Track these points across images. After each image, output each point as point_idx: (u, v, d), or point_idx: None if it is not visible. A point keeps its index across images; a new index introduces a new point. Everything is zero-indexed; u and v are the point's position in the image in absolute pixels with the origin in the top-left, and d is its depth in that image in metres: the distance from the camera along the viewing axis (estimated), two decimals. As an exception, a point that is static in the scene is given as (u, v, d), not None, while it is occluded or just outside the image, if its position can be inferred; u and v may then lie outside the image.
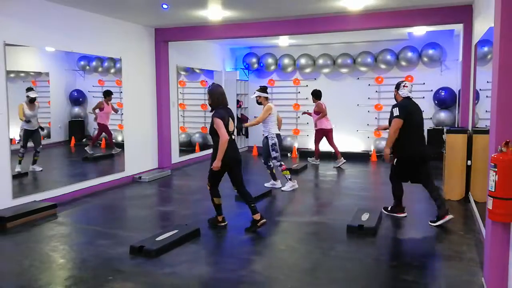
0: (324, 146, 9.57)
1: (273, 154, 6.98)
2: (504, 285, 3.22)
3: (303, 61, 10.90)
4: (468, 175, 6.10)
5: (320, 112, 9.19)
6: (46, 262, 4.19)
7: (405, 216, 5.46)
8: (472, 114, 6.49)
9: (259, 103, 7.15)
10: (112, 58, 7.97)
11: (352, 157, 9.89)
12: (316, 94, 9.34)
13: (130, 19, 7.72)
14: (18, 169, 6.75)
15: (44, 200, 6.01)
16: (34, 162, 7.23)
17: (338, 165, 9.13)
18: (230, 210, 6.18)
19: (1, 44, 5.51)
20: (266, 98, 7.12)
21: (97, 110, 8.52)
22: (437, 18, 6.94)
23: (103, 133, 8.78)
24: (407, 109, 5.17)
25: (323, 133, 9.29)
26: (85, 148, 8.67)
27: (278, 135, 7.05)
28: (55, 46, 6.60)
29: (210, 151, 10.64)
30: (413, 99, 5.38)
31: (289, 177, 7.10)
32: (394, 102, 5.45)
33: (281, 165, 7.02)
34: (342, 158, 9.22)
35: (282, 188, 7.11)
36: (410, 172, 5.24)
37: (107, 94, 8.45)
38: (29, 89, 7.19)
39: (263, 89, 7.14)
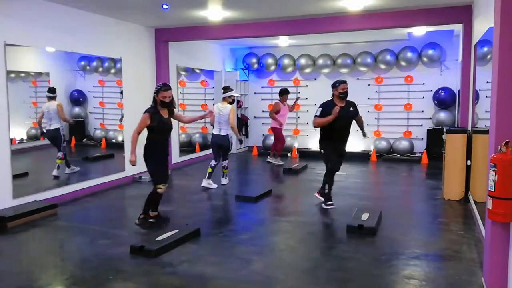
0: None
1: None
2: (504, 285, 3.22)
3: (303, 61, 10.91)
4: (467, 175, 6.10)
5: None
6: (46, 262, 4.19)
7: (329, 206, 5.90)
8: (472, 114, 6.49)
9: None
10: (112, 58, 7.97)
11: (352, 157, 9.88)
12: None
13: (130, 19, 7.73)
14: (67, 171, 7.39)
15: (45, 200, 6.02)
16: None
17: (270, 161, 9.62)
18: (231, 210, 6.19)
19: (1, 44, 5.52)
20: (223, 98, 7.28)
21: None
22: (437, 18, 6.94)
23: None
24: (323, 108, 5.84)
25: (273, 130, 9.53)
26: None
27: (212, 135, 7.31)
28: (55, 46, 6.61)
29: (210, 151, 10.71)
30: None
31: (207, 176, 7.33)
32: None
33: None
34: (279, 158, 9.60)
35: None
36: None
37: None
38: (52, 90, 7.29)
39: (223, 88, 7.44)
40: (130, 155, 5.03)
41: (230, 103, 7.22)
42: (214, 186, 7.30)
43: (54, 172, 7.22)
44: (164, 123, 5.07)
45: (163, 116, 5.05)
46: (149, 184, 7.65)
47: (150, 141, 5.10)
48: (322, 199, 6.05)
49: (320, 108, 5.74)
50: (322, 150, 5.90)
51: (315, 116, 5.73)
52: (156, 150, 5.11)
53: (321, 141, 5.92)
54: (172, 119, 5.24)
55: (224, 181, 7.49)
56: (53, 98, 7.24)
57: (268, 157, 9.79)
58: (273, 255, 4.38)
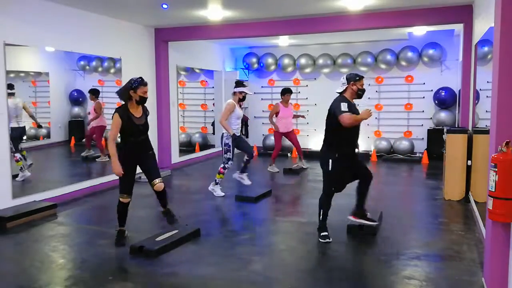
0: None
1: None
2: (504, 285, 3.21)
3: (303, 61, 10.89)
4: (468, 175, 6.10)
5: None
6: (46, 262, 4.19)
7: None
8: (472, 114, 6.49)
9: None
10: (112, 58, 7.97)
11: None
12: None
13: (130, 19, 7.72)
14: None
15: (44, 200, 6.01)
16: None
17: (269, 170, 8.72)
18: (231, 210, 6.18)
19: (1, 44, 5.51)
20: (233, 93, 6.73)
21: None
22: (437, 18, 6.94)
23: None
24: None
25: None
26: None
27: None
28: (55, 46, 6.60)
29: (210, 151, 10.80)
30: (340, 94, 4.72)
31: None
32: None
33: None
34: (273, 165, 8.74)
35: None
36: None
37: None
38: (11, 85, 6.62)
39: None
40: (112, 166, 4.29)
41: (240, 100, 6.62)
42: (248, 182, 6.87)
43: (23, 175, 6.69)
44: (133, 122, 4.38)
45: (133, 115, 4.39)
46: (149, 184, 7.64)
47: (121, 143, 4.48)
48: (360, 221, 4.85)
49: (345, 103, 4.48)
50: (330, 167, 4.70)
51: (343, 111, 4.42)
52: (125, 154, 4.43)
53: (332, 154, 4.68)
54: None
55: (212, 186, 6.73)
56: (13, 94, 6.63)
57: (268, 166, 8.79)
58: (273, 255, 4.38)
